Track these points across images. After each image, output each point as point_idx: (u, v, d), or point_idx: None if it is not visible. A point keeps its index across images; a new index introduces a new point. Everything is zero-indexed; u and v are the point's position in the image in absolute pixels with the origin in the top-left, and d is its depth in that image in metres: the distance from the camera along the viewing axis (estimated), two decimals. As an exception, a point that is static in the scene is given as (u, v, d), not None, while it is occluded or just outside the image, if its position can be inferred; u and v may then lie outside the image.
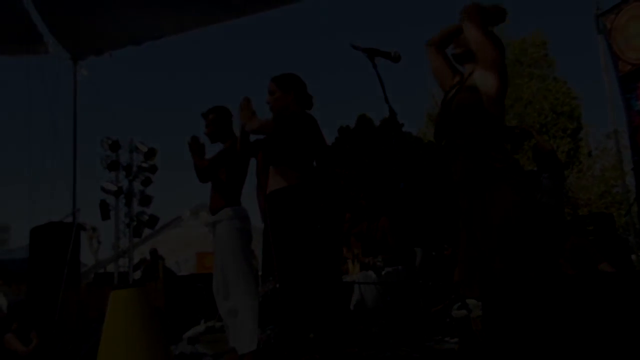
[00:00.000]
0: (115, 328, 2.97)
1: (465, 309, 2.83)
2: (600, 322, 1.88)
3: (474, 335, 2.76)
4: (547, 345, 1.97)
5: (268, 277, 4.32)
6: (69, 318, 5.82)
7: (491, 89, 2.35)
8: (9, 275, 9.92)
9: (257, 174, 4.12)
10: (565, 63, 29.21)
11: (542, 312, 2.02)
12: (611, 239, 5.28)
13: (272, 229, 3.00)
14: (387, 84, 2.51)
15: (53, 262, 6.30)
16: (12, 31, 6.63)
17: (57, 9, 6.38)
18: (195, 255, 16.75)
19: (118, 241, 7.23)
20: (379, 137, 10.49)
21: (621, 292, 1.91)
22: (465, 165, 2.43)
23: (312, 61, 37.97)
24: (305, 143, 3.00)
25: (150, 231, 11.22)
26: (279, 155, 3.03)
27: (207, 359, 4.10)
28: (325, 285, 2.97)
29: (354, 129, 11.38)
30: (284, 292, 2.92)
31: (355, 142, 10.76)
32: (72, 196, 7.51)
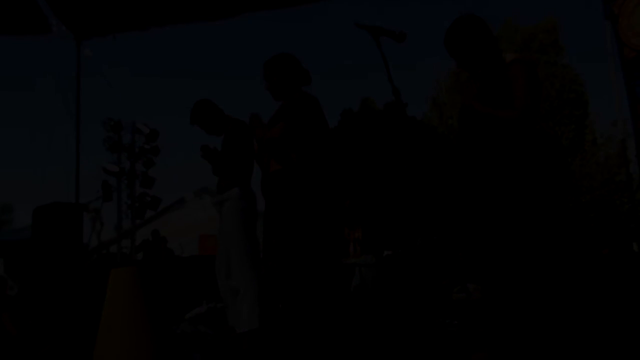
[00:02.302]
0: (115, 306, 3.01)
1: (464, 293, 2.85)
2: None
3: (474, 317, 2.79)
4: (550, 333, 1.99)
5: (268, 259, 4.36)
6: (71, 297, 5.87)
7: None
8: (13, 256, 10.00)
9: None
10: (573, 50, 28.97)
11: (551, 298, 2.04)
12: (612, 227, 5.30)
13: (273, 211, 3.02)
14: (391, 67, 2.50)
15: (56, 242, 6.34)
16: (17, 11, 6.61)
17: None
18: (198, 238, 16.82)
19: (120, 222, 7.26)
20: (383, 121, 10.47)
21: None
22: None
23: (314, 43, 37.74)
24: (308, 126, 2.99)
25: (153, 213, 11.27)
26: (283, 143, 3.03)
27: (208, 338, 4.14)
28: (326, 268, 2.99)
29: (357, 112, 11.36)
30: (282, 275, 2.95)
31: (359, 125, 10.75)
32: (76, 177, 7.54)
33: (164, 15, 6.84)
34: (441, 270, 4.40)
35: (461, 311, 3.01)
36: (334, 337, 2.83)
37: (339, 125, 11.00)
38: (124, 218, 9.01)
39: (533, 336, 2.14)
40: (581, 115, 17.41)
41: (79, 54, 7.50)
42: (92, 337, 3.04)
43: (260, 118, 3.08)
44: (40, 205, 6.85)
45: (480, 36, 2.60)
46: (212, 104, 3.78)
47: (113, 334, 2.97)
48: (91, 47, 7.50)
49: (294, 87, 3.09)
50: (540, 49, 17.71)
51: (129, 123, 8.54)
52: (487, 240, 2.45)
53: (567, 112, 17.13)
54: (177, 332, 4.30)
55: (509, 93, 2.55)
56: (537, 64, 17.02)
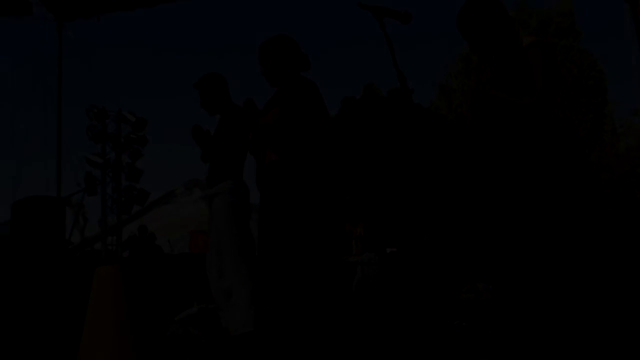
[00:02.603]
0: (99, 307, 3.02)
1: (474, 292, 2.87)
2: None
3: (483, 319, 2.80)
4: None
5: (264, 257, 4.37)
6: (52, 298, 5.89)
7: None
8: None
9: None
10: (591, 34, 28.89)
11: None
12: (633, 221, 5.30)
13: (269, 205, 3.02)
14: (395, 51, 2.49)
15: (36, 239, 6.35)
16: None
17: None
18: (189, 234, 16.86)
19: (105, 218, 7.27)
20: (387, 109, 10.46)
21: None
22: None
23: (312, 24, 37.61)
24: (306, 112, 2.99)
25: (140, 207, 11.28)
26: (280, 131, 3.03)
27: (200, 341, 4.16)
28: (325, 267, 3.00)
29: (359, 99, 11.35)
30: (279, 275, 2.95)
31: (361, 113, 10.74)
32: (57, 169, 7.54)
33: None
34: (449, 269, 4.41)
35: (470, 312, 3.02)
36: (334, 339, 2.84)
37: (340, 113, 10.98)
38: (109, 213, 9.01)
39: (547, 341, 2.15)
40: (600, 104, 17.39)
41: (60, 37, 7.49)
42: (76, 340, 3.05)
43: (255, 104, 3.07)
44: (19, 199, 6.85)
45: (495, 17, 2.60)
46: (223, 80, 3.78)
47: (97, 336, 2.98)
48: (74, 29, 7.49)
49: (291, 72, 3.08)
50: (556, 33, 17.66)
51: (114, 111, 8.53)
52: (500, 236, 2.46)
53: (585, 100, 17.12)
54: (167, 335, 4.31)
55: (525, 78, 2.54)
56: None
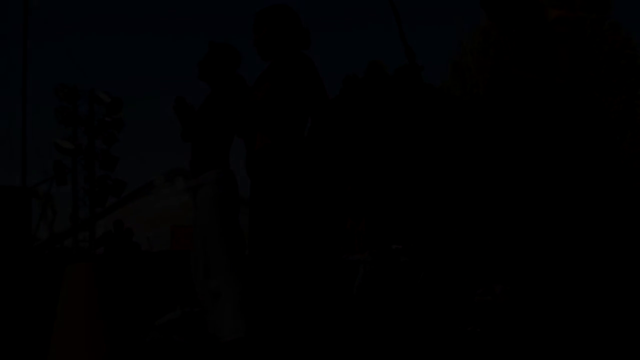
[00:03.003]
0: (70, 309, 3.03)
1: (490, 295, 2.88)
2: None
3: (500, 325, 2.82)
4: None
5: (255, 255, 4.37)
6: (18, 299, 5.90)
7: None
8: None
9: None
10: (624, 7, 28.81)
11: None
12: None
13: (260, 196, 3.02)
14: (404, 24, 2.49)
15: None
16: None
17: None
18: (170, 229, 16.89)
19: (77, 211, 7.28)
20: (393, 89, 10.45)
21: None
22: None
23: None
24: (301, 90, 2.98)
25: (116, 199, 11.29)
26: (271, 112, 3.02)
27: (184, 348, 4.18)
28: (323, 266, 3.01)
29: (362, 78, 11.34)
30: (270, 276, 2.96)
31: (365, 94, 10.73)
32: (22, 155, 7.53)
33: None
34: (462, 268, 4.43)
35: (485, 317, 3.04)
36: (332, 347, 2.86)
37: (341, 94, 10.97)
38: (81, 206, 9.01)
39: (573, 350, 2.16)
40: (633, 84, 17.39)
41: (26, 6, 7.45)
42: (44, 348, 3.07)
43: (245, 80, 3.06)
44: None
45: None
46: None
47: (67, 344, 2.99)
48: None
49: (286, 46, 3.07)
50: (584, 6, 17.61)
51: (87, 90, 8.49)
52: (523, 231, 2.46)
53: (616, 81, 17.11)
54: (146, 342, 4.33)
55: (552, 56, 2.54)
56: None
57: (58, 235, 12.82)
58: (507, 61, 2.63)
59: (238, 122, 3.29)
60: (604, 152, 2.61)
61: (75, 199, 7.16)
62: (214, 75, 3.72)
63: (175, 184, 18.88)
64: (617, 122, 16.24)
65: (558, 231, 2.31)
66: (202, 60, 3.72)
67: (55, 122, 7.27)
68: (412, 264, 4.69)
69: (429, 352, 3.33)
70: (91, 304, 3.04)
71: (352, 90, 11.13)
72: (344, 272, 4.54)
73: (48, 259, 8.75)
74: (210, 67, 3.71)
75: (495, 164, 2.56)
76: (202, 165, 3.63)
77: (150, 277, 7.47)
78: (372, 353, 3.30)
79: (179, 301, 5.94)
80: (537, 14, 2.62)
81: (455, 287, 4.22)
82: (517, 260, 2.45)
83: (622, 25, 17.75)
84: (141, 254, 9.54)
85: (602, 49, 17.10)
